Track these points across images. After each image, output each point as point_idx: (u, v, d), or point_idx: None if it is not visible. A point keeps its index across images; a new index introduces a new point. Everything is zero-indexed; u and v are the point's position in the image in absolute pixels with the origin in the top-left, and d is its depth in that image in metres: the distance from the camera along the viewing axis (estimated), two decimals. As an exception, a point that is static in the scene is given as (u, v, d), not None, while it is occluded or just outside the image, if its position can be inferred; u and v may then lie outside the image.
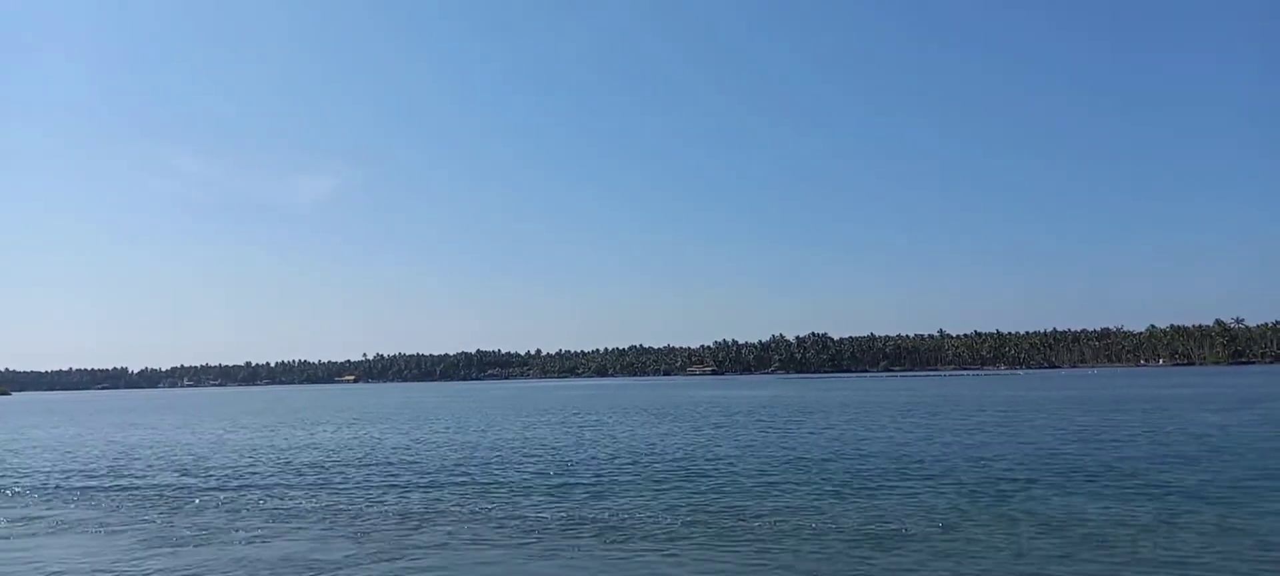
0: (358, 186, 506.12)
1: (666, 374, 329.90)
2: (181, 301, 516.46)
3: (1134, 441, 27.62)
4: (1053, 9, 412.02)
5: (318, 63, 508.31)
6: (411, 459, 27.55)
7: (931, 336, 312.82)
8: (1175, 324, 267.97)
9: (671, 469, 23.14)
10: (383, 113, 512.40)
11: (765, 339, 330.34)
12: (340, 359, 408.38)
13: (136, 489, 21.94)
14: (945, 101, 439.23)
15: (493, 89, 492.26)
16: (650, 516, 16.05)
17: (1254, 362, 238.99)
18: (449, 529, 15.38)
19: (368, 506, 18.10)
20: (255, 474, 24.53)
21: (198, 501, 19.40)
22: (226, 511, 17.93)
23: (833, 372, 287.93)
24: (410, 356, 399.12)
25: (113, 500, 20.06)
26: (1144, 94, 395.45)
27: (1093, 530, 13.88)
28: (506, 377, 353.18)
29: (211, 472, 25.11)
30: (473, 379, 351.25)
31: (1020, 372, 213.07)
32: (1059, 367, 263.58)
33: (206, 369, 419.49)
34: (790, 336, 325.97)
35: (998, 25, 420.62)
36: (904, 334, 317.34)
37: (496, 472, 23.34)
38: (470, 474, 23.19)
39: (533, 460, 26.32)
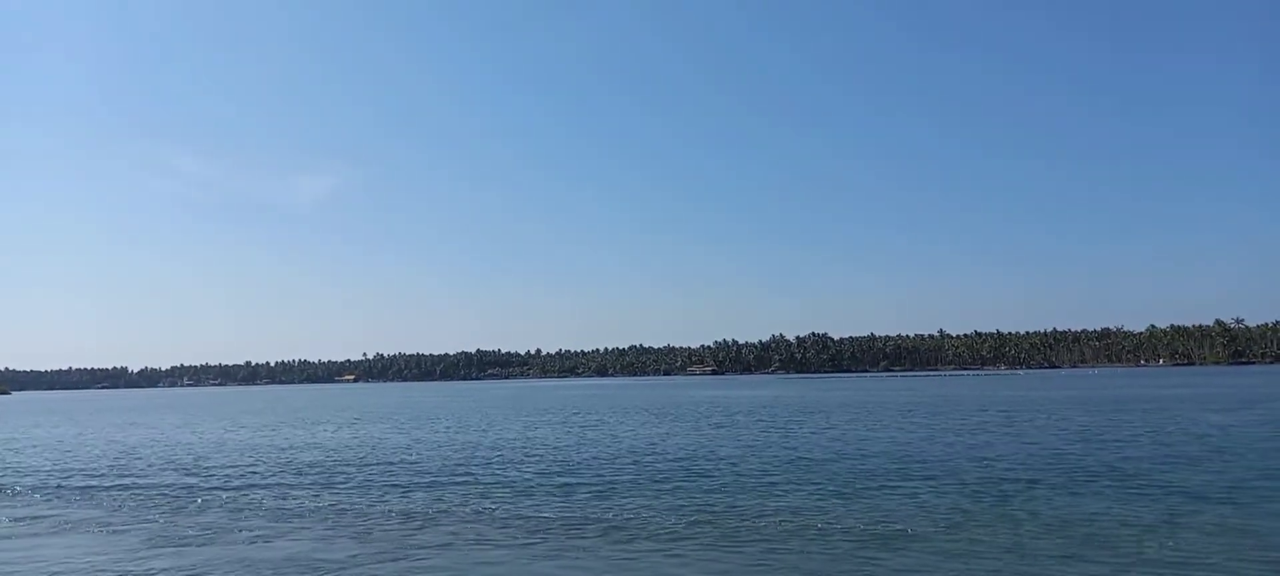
0: (358, 186, 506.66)
1: (666, 374, 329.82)
2: (181, 301, 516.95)
3: (1136, 441, 27.63)
4: (1053, 9, 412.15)
5: (318, 63, 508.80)
6: (413, 459, 27.55)
7: (932, 336, 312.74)
8: (1175, 324, 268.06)
9: (674, 469, 23.14)
10: (383, 113, 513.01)
11: (765, 339, 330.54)
12: (340, 359, 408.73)
13: (139, 488, 21.96)
14: (945, 101, 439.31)
15: (492, 89, 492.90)
16: (654, 516, 16.05)
17: (1254, 363, 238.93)
18: (452, 529, 15.37)
19: (370, 506, 18.11)
20: (257, 473, 24.54)
21: (200, 501, 19.42)
22: (229, 511, 17.94)
23: (833, 373, 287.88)
24: (410, 356, 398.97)
25: (115, 499, 20.08)
26: (1144, 94, 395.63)
27: (1096, 530, 13.89)
28: (506, 377, 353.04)
29: (213, 472, 25.12)
30: (473, 378, 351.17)
31: (1020, 373, 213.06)
32: (1059, 368, 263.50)
33: (206, 368, 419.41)
34: (790, 336, 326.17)
35: (998, 25, 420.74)
36: (904, 334, 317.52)
37: (499, 472, 23.35)
38: (473, 473, 23.20)
39: (535, 460, 26.32)
